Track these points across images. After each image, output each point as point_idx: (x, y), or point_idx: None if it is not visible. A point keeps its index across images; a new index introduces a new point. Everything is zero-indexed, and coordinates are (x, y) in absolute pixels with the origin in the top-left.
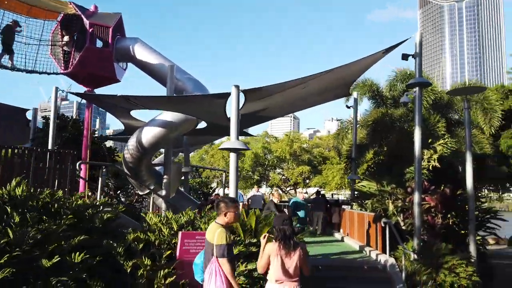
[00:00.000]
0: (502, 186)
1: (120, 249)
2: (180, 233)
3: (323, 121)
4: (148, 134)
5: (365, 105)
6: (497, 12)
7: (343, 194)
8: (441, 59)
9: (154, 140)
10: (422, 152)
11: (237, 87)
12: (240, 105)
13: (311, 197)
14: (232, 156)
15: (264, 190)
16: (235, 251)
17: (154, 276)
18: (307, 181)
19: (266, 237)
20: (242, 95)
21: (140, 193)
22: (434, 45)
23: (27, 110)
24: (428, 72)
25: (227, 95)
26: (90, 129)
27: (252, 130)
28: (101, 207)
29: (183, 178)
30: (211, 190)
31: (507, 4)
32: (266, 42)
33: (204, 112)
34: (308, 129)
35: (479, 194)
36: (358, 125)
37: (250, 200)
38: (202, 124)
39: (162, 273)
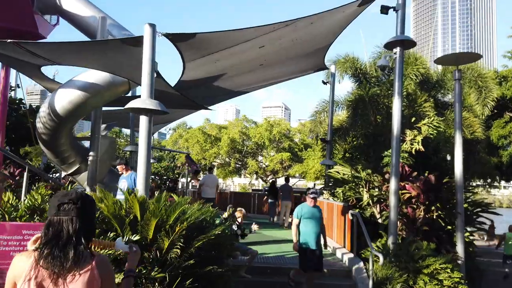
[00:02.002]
0: (492, 179)
1: None
2: None
3: None
4: (63, 99)
5: (348, 86)
6: (489, 6)
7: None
8: (431, 41)
9: (71, 106)
10: (404, 133)
11: (152, 26)
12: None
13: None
14: (143, 120)
15: (243, 180)
16: None
17: None
18: (288, 170)
19: (36, 242)
20: (177, 61)
21: (64, 173)
22: (426, 38)
23: None
24: None
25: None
26: (6, 94)
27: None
28: None
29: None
30: (178, 176)
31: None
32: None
33: (127, 69)
34: (299, 120)
35: (469, 185)
36: (339, 107)
37: None
38: None
39: None
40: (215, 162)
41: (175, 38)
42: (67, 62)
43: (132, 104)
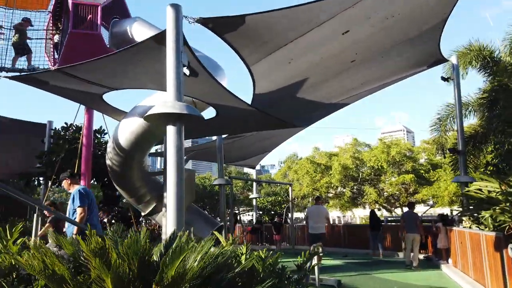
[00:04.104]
0: None
1: None
2: None
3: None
4: (126, 130)
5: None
6: None
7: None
8: None
9: (134, 137)
10: None
11: (175, 7)
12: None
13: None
14: (170, 130)
15: (366, 211)
16: None
17: None
18: (415, 195)
19: None
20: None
21: (143, 213)
22: None
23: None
24: None
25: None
26: (90, 135)
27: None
28: None
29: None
30: (284, 210)
31: None
32: None
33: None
34: (423, 140)
35: None
36: (468, 111)
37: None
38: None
39: None
40: (330, 192)
41: (217, 27)
42: (121, 84)
43: (154, 110)
